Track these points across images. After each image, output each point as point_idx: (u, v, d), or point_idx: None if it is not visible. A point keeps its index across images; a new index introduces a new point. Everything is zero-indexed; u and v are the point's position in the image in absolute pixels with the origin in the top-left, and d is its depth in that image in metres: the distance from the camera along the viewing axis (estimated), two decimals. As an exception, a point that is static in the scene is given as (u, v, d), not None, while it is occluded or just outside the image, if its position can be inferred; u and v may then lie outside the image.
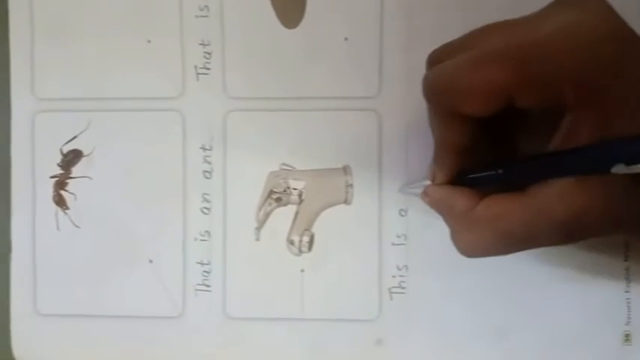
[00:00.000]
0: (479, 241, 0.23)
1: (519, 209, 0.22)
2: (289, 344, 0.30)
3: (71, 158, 0.31)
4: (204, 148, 0.31)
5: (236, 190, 0.30)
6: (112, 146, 0.31)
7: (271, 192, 0.30)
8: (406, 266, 0.30)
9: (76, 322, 0.31)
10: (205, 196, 0.30)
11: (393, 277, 0.30)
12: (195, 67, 0.30)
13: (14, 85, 0.31)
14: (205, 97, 0.30)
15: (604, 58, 0.20)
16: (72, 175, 0.31)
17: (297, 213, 0.30)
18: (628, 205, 0.21)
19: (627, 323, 0.29)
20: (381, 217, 0.30)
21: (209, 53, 0.30)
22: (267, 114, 0.30)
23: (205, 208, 0.31)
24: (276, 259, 0.30)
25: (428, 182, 0.26)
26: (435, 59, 0.24)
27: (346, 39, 0.30)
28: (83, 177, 0.31)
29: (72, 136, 0.31)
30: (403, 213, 0.30)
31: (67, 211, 0.31)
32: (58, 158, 0.31)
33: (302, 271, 0.30)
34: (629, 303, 0.29)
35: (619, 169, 0.19)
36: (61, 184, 0.31)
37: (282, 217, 0.30)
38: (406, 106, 0.30)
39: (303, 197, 0.30)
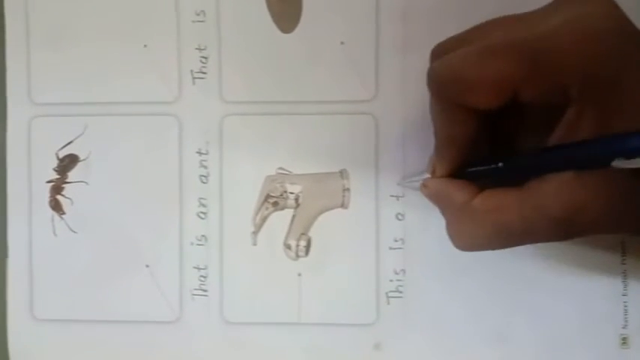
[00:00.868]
0: (475, 234, 0.23)
1: (517, 203, 0.22)
2: (287, 349, 0.30)
3: (67, 163, 0.31)
4: (200, 153, 0.30)
5: (232, 195, 0.30)
6: (109, 151, 0.31)
7: (268, 196, 0.30)
8: (404, 270, 0.30)
9: (73, 327, 0.31)
10: (202, 200, 0.30)
11: (391, 281, 0.30)
12: (192, 71, 0.30)
13: (10, 90, 0.31)
14: (201, 102, 0.30)
15: (608, 53, 0.20)
16: (68, 180, 0.31)
17: (293, 217, 0.30)
18: (626, 202, 0.21)
19: (624, 327, 0.29)
20: (379, 221, 0.30)
21: (205, 58, 0.30)
22: (264, 118, 0.30)
23: (202, 212, 0.30)
24: (273, 264, 0.30)
25: (427, 175, 0.26)
26: (440, 53, 0.24)
27: (342, 43, 0.30)
28: (79, 182, 0.31)
29: (68, 141, 0.31)
30: (400, 217, 0.30)
31: (63, 215, 0.31)
32: (55, 163, 0.31)
33: (299, 275, 0.30)
34: (626, 306, 0.29)
35: (619, 163, 0.19)
36: (57, 188, 0.31)
37: (279, 221, 0.30)
38: (403, 110, 0.30)
39: (300, 201, 0.30)
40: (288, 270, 0.30)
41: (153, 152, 0.31)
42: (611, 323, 0.29)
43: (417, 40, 0.29)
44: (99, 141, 0.31)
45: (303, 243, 0.30)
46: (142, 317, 0.31)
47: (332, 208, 0.30)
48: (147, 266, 0.31)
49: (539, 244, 0.23)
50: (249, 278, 0.30)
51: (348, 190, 0.30)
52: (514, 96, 0.21)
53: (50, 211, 0.31)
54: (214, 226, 0.30)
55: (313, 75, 0.30)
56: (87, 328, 0.31)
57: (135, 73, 0.30)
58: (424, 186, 0.26)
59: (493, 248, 0.23)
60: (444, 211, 0.25)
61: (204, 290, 0.31)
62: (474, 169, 0.24)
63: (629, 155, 0.19)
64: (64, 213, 0.31)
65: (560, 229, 0.21)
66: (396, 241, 0.30)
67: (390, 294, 0.30)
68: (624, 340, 0.29)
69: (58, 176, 0.31)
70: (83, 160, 0.31)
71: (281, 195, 0.30)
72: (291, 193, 0.30)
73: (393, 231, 0.30)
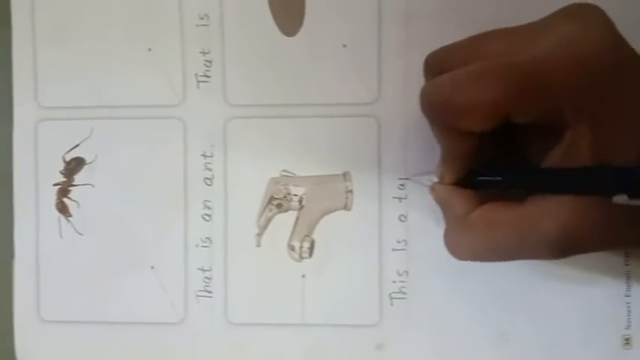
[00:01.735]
0: (468, 245, 0.23)
1: (513, 220, 0.22)
2: (290, 350, 0.30)
3: (74, 166, 0.31)
4: (205, 155, 0.31)
5: (237, 197, 0.31)
6: (114, 154, 0.31)
7: (272, 198, 0.30)
8: (407, 271, 0.30)
9: (79, 329, 0.31)
10: (206, 202, 0.31)
11: (394, 282, 0.30)
12: (196, 75, 0.31)
13: (17, 94, 0.31)
14: (206, 105, 0.31)
15: (602, 75, 0.20)
16: (74, 183, 0.31)
17: (297, 219, 0.30)
18: (621, 228, 0.21)
19: (627, 327, 0.29)
20: (381, 223, 0.30)
21: (209, 61, 0.31)
22: (267, 121, 0.30)
23: (206, 214, 0.31)
24: (277, 265, 0.30)
25: (435, 179, 0.26)
26: (432, 64, 0.24)
27: (345, 45, 0.30)
28: (86, 184, 0.31)
29: (74, 144, 0.31)
30: (403, 218, 0.30)
31: (69, 218, 0.31)
32: (61, 166, 0.31)
33: (303, 276, 0.30)
34: (629, 307, 0.29)
35: (620, 199, 0.19)
36: (63, 191, 0.31)
37: (283, 223, 0.30)
38: (405, 112, 0.30)
39: (304, 203, 0.30)
40: (291, 271, 0.30)
41: (158, 155, 0.31)
42: (614, 324, 0.29)
43: (420, 43, 0.30)
44: (105, 144, 0.31)
45: (306, 244, 0.30)
46: (147, 318, 0.31)
47: (335, 210, 0.30)
48: (152, 268, 0.31)
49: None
50: (253, 280, 0.31)
51: (351, 192, 0.30)
52: (508, 118, 0.21)
53: (56, 214, 0.31)
54: (219, 228, 0.31)
55: (316, 77, 0.30)
56: (92, 329, 0.31)
57: (139, 77, 0.31)
58: (432, 190, 0.26)
59: (485, 261, 0.24)
60: (445, 218, 0.25)
61: (209, 292, 0.31)
62: (480, 178, 0.24)
63: (631, 194, 0.19)
64: (70, 215, 0.31)
65: (554, 249, 0.21)
66: (398, 242, 0.30)
67: (393, 295, 0.30)
68: (627, 341, 0.29)
69: (64, 179, 0.31)
70: (89, 163, 0.31)
71: (285, 197, 0.30)
72: (295, 195, 0.30)
73: (396, 232, 0.30)
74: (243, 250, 0.30)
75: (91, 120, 0.31)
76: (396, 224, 0.30)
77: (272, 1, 0.30)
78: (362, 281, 0.30)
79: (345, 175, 0.30)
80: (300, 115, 0.30)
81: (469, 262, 0.24)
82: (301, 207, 0.30)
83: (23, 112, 0.31)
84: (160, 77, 0.31)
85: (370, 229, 0.30)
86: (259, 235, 0.30)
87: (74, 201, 0.31)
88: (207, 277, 0.31)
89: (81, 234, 0.31)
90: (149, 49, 0.31)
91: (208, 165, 0.31)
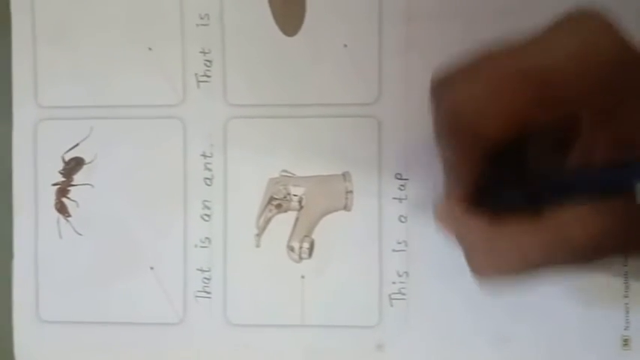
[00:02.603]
0: (495, 264, 0.23)
1: (538, 232, 0.22)
2: (290, 350, 0.30)
3: (73, 166, 0.31)
4: (204, 155, 0.31)
5: (236, 197, 0.31)
6: (114, 153, 0.31)
7: (271, 198, 0.30)
8: (406, 272, 0.30)
9: (78, 329, 0.31)
10: (206, 202, 0.31)
11: (394, 283, 0.30)
12: (196, 74, 0.31)
13: (16, 93, 0.31)
14: (206, 105, 0.31)
15: (614, 81, 0.20)
16: (74, 183, 0.31)
17: (297, 219, 0.30)
18: None
19: (626, 328, 0.29)
20: (381, 224, 0.30)
21: (210, 61, 0.31)
22: (268, 121, 0.30)
23: (206, 214, 0.31)
24: (277, 266, 0.30)
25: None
26: (441, 82, 0.24)
27: (345, 45, 0.30)
28: (85, 184, 0.31)
29: (74, 144, 0.31)
30: (403, 219, 0.30)
31: (68, 218, 0.31)
32: (60, 166, 0.31)
33: (302, 277, 0.30)
34: (627, 308, 0.29)
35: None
36: (62, 191, 0.31)
37: (283, 223, 0.30)
38: (406, 113, 0.30)
39: (303, 204, 0.30)
40: (291, 272, 0.30)
41: (157, 155, 0.31)
42: (613, 325, 0.29)
43: (420, 43, 0.30)
44: (104, 144, 0.31)
45: (306, 245, 0.30)
46: (146, 319, 0.31)
47: (335, 211, 0.30)
48: (151, 268, 0.31)
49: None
50: (252, 280, 0.30)
51: (351, 192, 0.30)
52: (522, 128, 0.21)
53: (56, 214, 0.31)
54: (218, 228, 0.31)
55: (316, 78, 0.30)
56: (91, 329, 0.31)
57: (139, 77, 0.31)
58: (438, 212, 0.25)
59: (515, 277, 0.23)
60: (461, 240, 0.25)
61: (208, 292, 0.31)
62: (490, 195, 0.24)
63: None
64: (69, 215, 0.31)
65: (583, 256, 0.21)
66: (399, 243, 0.30)
67: (393, 296, 0.30)
68: (626, 342, 0.29)
69: (63, 179, 0.31)
70: (89, 162, 0.31)
71: (284, 197, 0.30)
72: (295, 195, 0.30)
73: (396, 233, 0.30)
74: (243, 251, 0.30)
75: (90, 120, 0.31)
76: (396, 225, 0.30)
77: (272, 1, 0.30)
78: (362, 282, 0.30)
79: (345, 176, 0.30)
80: (300, 115, 0.30)
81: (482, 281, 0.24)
82: (301, 207, 0.30)
83: (23, 111, 0.31)
84: (159, 77, 0.31)
85: (370, 230, 0.30)
86: (259, 235, 0.30)
87: (73, 201, 0.31)
88: (206, 278, 0.31)
89: (80, 234, 0.31)
90: (149, 49, 0.31)
91: (208, 165, 0.31)
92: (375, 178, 0.30)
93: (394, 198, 0.30)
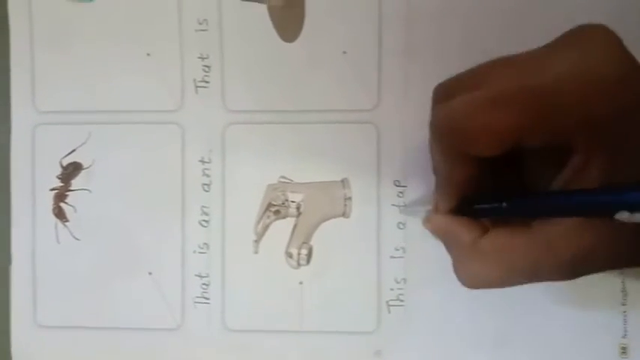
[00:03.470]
0: (482, 274, 0.23)
1: (525, 244, 0.22)
2: (288, 356, 0.30)
3: (71, 171, 0.31)
4: (203, 161, 0.31)
5: (235, 203, 0.30)
6: (112, 159, 0.31)
7: (270, 205, 0.30)
8: (404, 279, 0.30)
9: (76, 334, 0.31)
10: (204, 208, 0.31)
11: (392, 289, 0.30)
12: (194, 80, 0.31)
13: (15, 98, 0.31)
14: (204, 110, 0.31)
15: (613, 101, 0.20)
16: (71, 188, 0.31)
17: (295, 226, 0.30)
18: (632, 243, 0.21)
19: (624, 336, 0.29)
20: (380, 230, 0.30)
21: (208, 67, 0.30)
22: (266, 127, 0.30)
23: (204, 220, 0.31)
24: (275, 272, 0.30)
25: (429, 208, 0.26)
26: (442, 94, 0.24)
27: (345, 52, 0.30)
28: (83, 189, 0.31)
29: (72, 149, 0.31)
30: (401, 226, 0.30)
31: (66, 223, 0.31)
32: (58, 171, 0.31)
33: (300, 283, 0.30)
34: (625, 316, 0.29)
35: (622, 215, 0.19)
36: (60, 196, 0.31)
37: (281, 229, 0.30)
38: (405, 119, 0.30)
39: (302, 210, 0.30)
40: (289, 278, 0.30)
41: (156, 160, 0.31)
42: (611, 332, 0.29)
43: (420, 50, 0.30)
44: (102, 149, 0.31)
45: (304, 251, 0.30)
46: (144, 324, 0.31)
47: (333, 217, 0.30)
48: (149, 274, 0.31)
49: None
50: (250, 286, 0.30)
51: (349, 199, 0.30)
52: (519, 143, 0.21)
53: (53, 219, 0.31)
54: (216, 234, 0.31)
55: (315, 84, 0.30)
56: (89, 334, 0.31)
57: (138, 82, 0.31)
58: (428, 222, 0.26)
59: (500, 287, 0.23)
60: (449, 249, 0.25)
61: (206, 298, 0.31)
62: (478, 206, 0.24)
63: (632, 209, 0.19)
64: (67, 220, 0.31)
65: (569, 270, 0.21)
66: (397, 249, 0.30)
67: (391, 302, 0.30)
68: (623, 350, 0.29)
69: (61, 184, 0.31)
70: (86, 168, 0.31)
71: (283, 203, 0.30)
72: (293, 201, 0.30)
73: (394, 240, 0.30)
74: (241, 257, 0.30)
75: (88, 125, 0.31)
76: (395, 231, 0.30)
77: (271, 7, 0.30)
78: (360, 288, 0.30)
79: (344, 182, 0.30)
80: (299, 121, 0.30)
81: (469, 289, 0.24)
82: (299, 214, 0.30)
83: (21, 116, 0.31)
84: (158, 82, 0.31)
85: (368, 237, 0.30)
86: (257, 241, 0.30)
87: (71, 206, 0.31)
88: (204, 284, 0.31)
89: (78, 239, 0.31)
90: (148, 54, 0.31)
91: (206, 171, 0.31)
92: (374, 185, 0.30)
93: (393, 205, 0.30)
